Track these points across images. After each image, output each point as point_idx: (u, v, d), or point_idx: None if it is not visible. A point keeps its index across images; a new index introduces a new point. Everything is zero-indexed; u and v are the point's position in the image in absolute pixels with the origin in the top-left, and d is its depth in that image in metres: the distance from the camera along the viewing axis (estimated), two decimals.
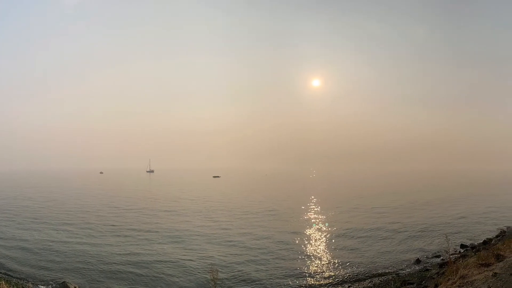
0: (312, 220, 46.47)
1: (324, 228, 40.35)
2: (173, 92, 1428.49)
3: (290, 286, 22.10)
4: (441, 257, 26.57)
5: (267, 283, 22.47)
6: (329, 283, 22.45)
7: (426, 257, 27.47)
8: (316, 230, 39.37)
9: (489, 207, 58.12)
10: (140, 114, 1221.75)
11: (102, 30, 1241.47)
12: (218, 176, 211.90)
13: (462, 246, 30.27)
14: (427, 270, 22.76)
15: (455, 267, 13.31)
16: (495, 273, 11.08)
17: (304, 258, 27.90)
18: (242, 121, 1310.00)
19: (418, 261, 26.22)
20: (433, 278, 17.96)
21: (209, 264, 25.38)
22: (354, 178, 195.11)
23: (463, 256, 23.12)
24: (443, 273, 16.94)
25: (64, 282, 21.19)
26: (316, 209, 58.45)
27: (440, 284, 13.24)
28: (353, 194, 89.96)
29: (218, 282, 14.77)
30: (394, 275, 22.99)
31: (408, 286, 19.03)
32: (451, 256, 19.62)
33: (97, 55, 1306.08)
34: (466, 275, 12.08)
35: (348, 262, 26.50)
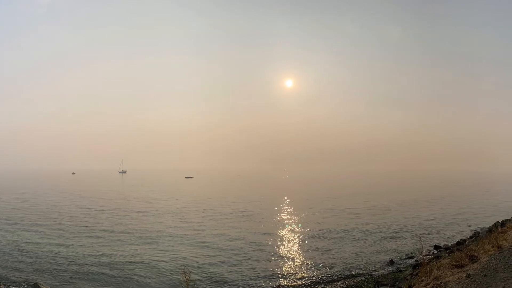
0: (285, 221, 46.40)
1: (297, 229, 40.32)
2: (146, 92, 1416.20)
3: (263, 287, 21.85)
4: (415, 258, 26.86)
5: (240, 284, 22.17)
6: (302, 284, 22.30)
7: (400, 258, 27.73)
8: (289, 231, 39.27)
9: (463, 208, 59.54)
10: (112, 115, 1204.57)
11: (74, 29, 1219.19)
12: (190, 177, 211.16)
13: (436, 247, 30.70)
14: (400, 271, 22.87)
15: (428, 268, 13.28)
16: (469, 274, 11.07)
17: (277, 259, 27.71)
18: (215, 122, 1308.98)
19: (391, 262, 26.40)
20: (407, 279, 17.99)
21: (181, 265, 25.03)
22: (328, 179, 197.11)
23: (437, 257, 23.37)
24: (417, 274, 16.99)
25: (36, 283, 20.87)
26: (289, 210, 58.48)
27: (414, 285, 13.19)
28: (326, 194, 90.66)
29: (190, 283, 14.37)
30: (367, 276, 23.06)
31: (381, 287, 19.03)
32: (424, 257, 19.72)
33: (69, 54, 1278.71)
34: (440, 276, 12.04)
35: (321, 263, 26.46)
